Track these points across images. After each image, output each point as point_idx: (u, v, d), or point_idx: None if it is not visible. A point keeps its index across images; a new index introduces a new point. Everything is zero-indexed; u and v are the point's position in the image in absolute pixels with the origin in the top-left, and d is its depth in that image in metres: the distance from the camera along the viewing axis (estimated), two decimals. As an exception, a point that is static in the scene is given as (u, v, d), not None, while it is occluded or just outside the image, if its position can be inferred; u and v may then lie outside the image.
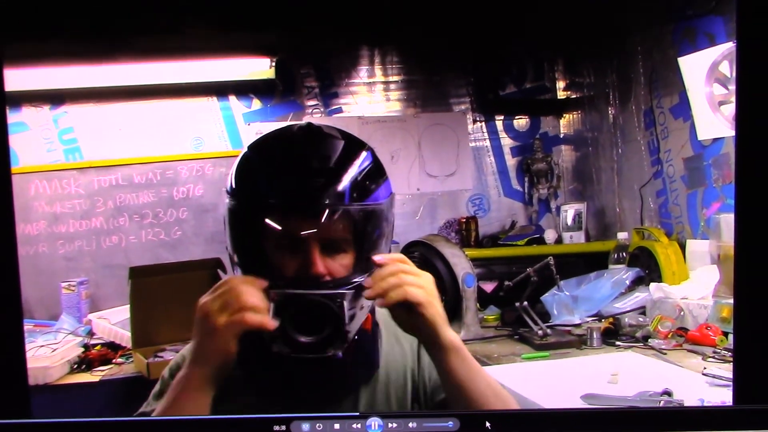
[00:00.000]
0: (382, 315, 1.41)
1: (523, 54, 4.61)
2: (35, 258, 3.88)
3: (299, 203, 1.25)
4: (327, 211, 1.24)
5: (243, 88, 4.27)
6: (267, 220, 1.26)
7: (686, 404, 1.99)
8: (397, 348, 1.44)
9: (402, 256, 1.29)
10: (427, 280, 1.25)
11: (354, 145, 1.32)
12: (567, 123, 4.68)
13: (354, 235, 1.30)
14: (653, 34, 3.71)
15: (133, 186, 4.06)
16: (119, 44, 3.69)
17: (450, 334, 1.27)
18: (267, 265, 1.28)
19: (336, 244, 1.28)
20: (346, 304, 1.21)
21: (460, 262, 3.16)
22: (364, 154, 1.31)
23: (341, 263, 1.28)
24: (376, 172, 1.31)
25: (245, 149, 1.34)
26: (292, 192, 1.25)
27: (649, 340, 2.79)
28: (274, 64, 4.21)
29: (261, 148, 1.35)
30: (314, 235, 1.25)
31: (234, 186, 1.30)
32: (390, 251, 1.35)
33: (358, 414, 1.17)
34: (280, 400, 1.32)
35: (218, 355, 1.18)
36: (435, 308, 1.25)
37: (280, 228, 1.26)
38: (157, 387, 1.41)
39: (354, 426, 1.16)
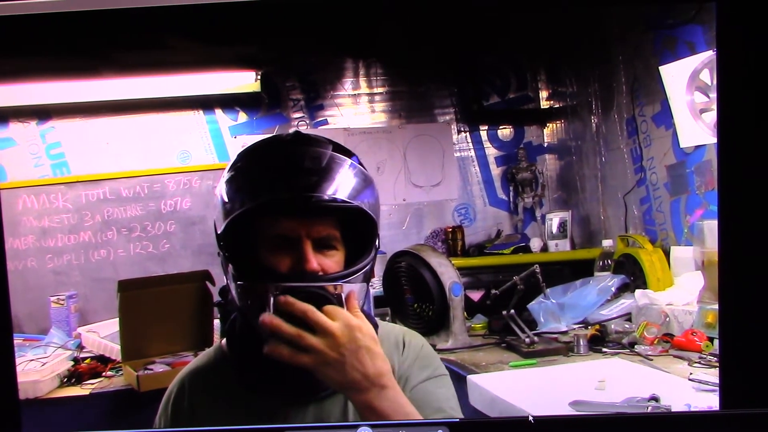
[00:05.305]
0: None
1: (506, 64, 4.63)
2: (24, 272, 3.89)
3: (294, 201, 1.26)
4: (321, 208, 1.27)
5: (229, 102, 4.28)
6: (264, 220, 1.29)
7: (673, 409, 2.01)
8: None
9: (309, 307, 1.18)
10: (325, 343, 1.16)
11: (342, 150, 1.35)
12: (551, 132, 4.70)
13: (343, 233, 1.33)
14: (634, 44, 3.74)
15: (120, 200, 4.06)
16: (105, 59, 3.69)
17: (362, 398, 1.19)
18: (263, 267, 1.29)
19: (327, 242, 1.30)
20: (343, 296, 1.21)
21: (447, 271, 3.16)
22: (351, 159, 1.35)
23: (333, 260, 1.30)
24: (363, 176, 1.34)
25: (236, 157, 1.37)
26: (287, 191, 1.26)
27: (636, 347, 2.80)
28: (259, 77, 4.22)
29: (253, 154, 1.37)
30: (307, 232, 1.27)
31: (227, 192, 1.31)
32: (375, 255, 1.37)
33: (348, 424, 1.18)
34: (273, 395, 1.34)
35: None
36: (331, 377, 1.17)
37: (276, 227, 1.29)
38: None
39: (344, 436, 1.17)
